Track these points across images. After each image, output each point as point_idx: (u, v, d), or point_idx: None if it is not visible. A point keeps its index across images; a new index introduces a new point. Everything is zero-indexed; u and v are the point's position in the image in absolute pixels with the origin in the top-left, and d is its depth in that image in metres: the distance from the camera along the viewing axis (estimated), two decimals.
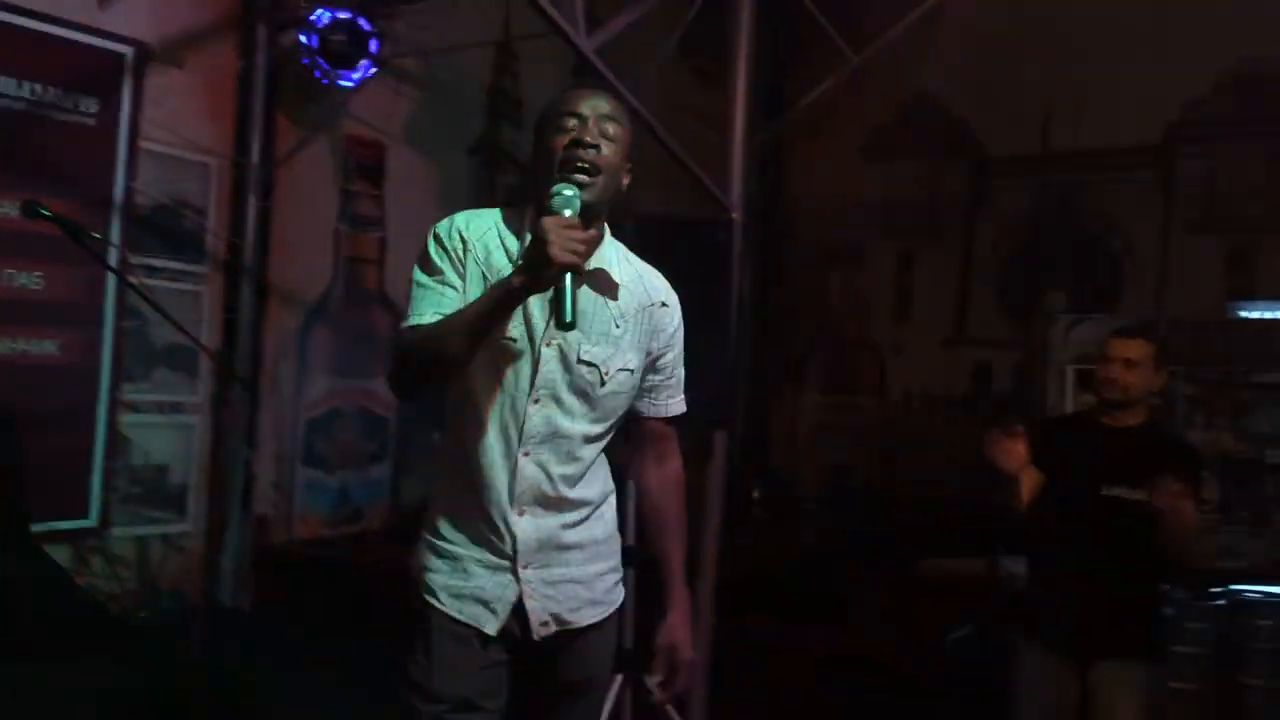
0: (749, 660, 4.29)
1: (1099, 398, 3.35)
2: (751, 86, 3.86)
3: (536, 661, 2.11)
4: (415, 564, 2.13)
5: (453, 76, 5.74)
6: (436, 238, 2.07)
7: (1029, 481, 3.34)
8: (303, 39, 4.59)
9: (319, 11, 4.53)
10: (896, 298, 7.21)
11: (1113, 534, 3.22)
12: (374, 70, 4.84)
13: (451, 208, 6.64)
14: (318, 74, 4.65)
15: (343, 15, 4.54)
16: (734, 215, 3.76)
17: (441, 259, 2.04)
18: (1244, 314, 5.62)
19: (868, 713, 4.08)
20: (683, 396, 2.26)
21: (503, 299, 1.90)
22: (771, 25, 4.13)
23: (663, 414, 2.23)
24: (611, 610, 2.19)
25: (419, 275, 2.05)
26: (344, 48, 4.59)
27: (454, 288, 2.01)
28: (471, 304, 1.96)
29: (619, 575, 2.22)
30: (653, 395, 2.21)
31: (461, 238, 2.05)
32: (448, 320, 1.95)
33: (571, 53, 4.73)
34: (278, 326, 5.15)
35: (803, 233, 7.29)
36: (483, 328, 1.92)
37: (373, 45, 4.75)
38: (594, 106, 2.03)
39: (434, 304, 1.99)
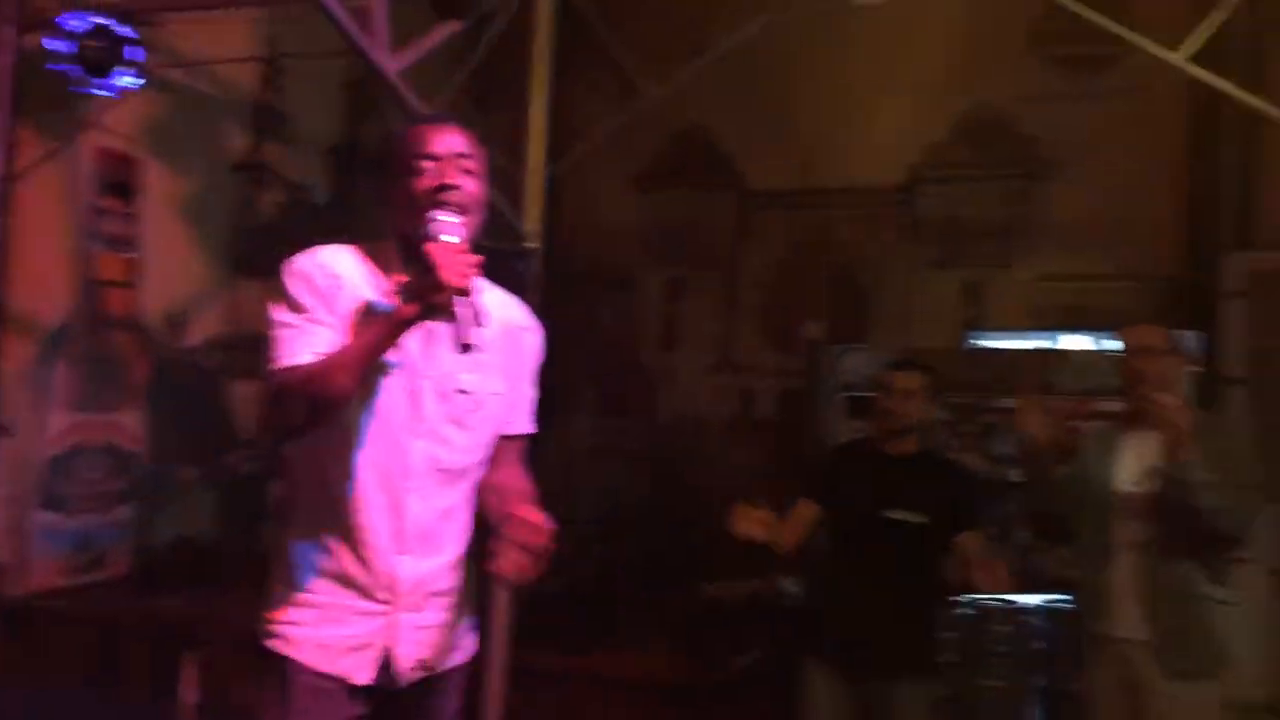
0: (540, 690, 4.27)
1: (880, 427, 3.56)
2: (548, 118, 3.87)
3: (395, 707, 2.07)
4: (268, 615, 2.04)
5: (215, 90, 5.44)
6: (302, 275, 1.99)
7: (802, 518, 3.51)
8: (55, 44, 4.20)
9: (76, 16, 4.16)
10: (666, 325, 7.40)
11: (894, 555, 3.42)
12: (133, 80, 4.49)
13: (211, 226, 6.27)
14: (71, 82, 4.27)
15: (101, 21, 4.19)
16: (532, 245, 3.76)
17: (309, 297, 1.97)
18: (978, 343, 6.15)
19: None
20: (531, 417, 2.26)
21: (392, 329, 1.88)
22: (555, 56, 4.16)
23: (514, 431, 2.23)
24: (470, 655, 2.19)
25: (284, 315, 1.97)
26: (101, 55, 4.24)
27: (326, 326, 1.95)
28: (357, 338, 1.92)
29: (476, 620, 2.22)
30: (507, 415, 2.20)
31: (331, 274, 1.99)
32: (332, 357, 1.90)
33: (341, 69, 4.59)
34: (15, 356, 4.71)
35: (576, 260, 7.35)
36: (371, 361, 1.90)
37: (132, 54, 4.41)
38: (449, 145, 2.02)
39: (308, 343, 1.93)
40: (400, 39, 3.72)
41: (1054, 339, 5.89)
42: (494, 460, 2.23)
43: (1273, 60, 5.15)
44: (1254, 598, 4.92)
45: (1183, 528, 3.05)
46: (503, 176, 3.96)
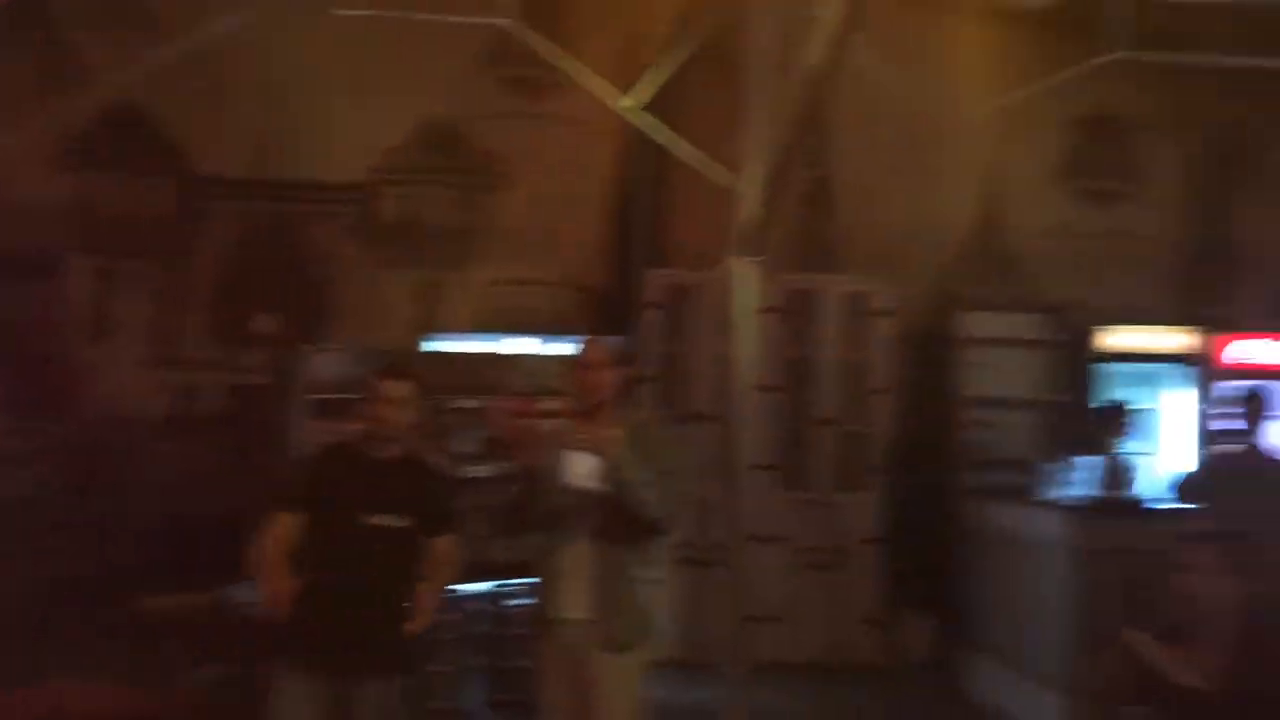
0: None
1: (367, 432, 3.58)
2: None
3: None
4: None
5: None
6: None
7: (284, 532, 3.47)
8: None
9: None
10: (95, 315, 6.72)
11: (374, 558, 3.47)
12: None
13: None
14: None
15: None
16: None
17: None
18: (430, 345, 6.39)
19: None
20: None
21: None
22: None
23: None
24: None
25: None
26: None
27: None
28: None
29: None
30: None
31: None
32: None
33: None
34: None
35: None
36: None
37: None
38: None
39: None
40: None
41: (502, 341, 6.33)
42: None
43: (688, 110, 5.99)
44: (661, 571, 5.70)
45: (622, 519, 3.45)
46: None
